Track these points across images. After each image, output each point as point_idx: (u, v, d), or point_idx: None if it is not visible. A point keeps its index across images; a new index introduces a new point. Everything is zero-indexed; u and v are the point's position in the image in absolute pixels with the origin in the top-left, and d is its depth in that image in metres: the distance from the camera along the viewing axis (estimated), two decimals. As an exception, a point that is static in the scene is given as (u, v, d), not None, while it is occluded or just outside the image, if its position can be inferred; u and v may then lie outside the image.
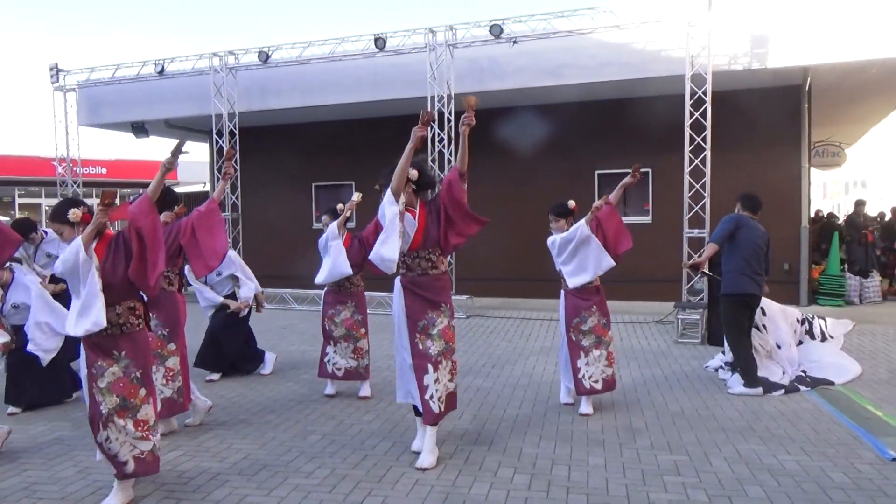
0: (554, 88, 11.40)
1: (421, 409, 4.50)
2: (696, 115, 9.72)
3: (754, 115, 11.36)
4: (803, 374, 6.61)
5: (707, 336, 8.61)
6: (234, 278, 7.15)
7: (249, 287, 7.12)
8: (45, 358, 5.52)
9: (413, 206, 4.61)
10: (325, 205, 14.63)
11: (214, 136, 13.39)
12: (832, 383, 6.39)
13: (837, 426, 5.22)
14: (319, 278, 6.16)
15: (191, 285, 6.61)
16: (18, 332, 5.77)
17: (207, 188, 16.46)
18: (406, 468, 4.41)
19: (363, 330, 6.29)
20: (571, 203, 5.72)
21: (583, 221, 5.49)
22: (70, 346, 6.29)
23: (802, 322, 7.65)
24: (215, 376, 6.95)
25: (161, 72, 13.20)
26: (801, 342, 7.41)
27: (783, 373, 6.63)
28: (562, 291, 5.75)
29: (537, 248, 6.11)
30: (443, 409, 4.52)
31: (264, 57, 12.39)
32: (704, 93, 9.62)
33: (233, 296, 7.14)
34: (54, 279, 6.33)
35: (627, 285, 11.42)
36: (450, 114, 11.38)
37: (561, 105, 12.43)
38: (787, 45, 10.17)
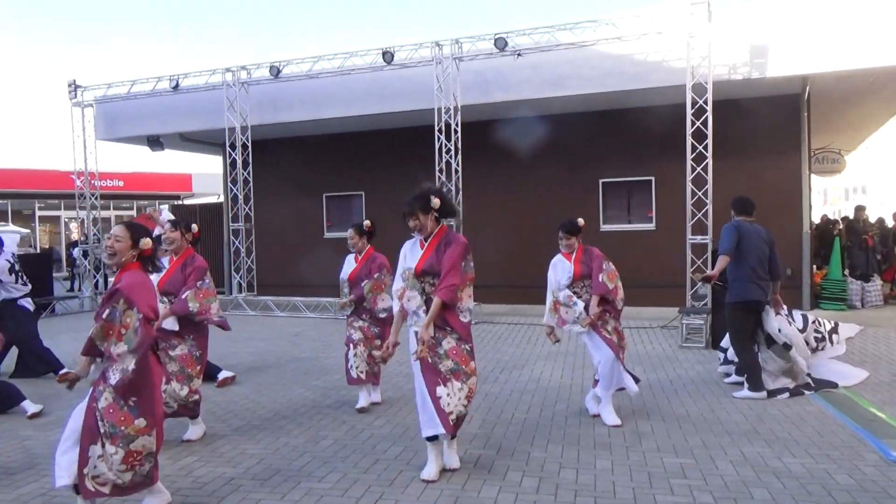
0: (557, 99, 11.40)
1: (440, 423, 4.26)
2: (698, 123, 9.69)
3: (755, 122, 11.35)
4: (808, 377, 6.56)
5: (711, 340, 8.56)
6: None
7: None
8: None
9: (429, 234, 4.54)
10: (335, 215, 14.74)
11: (227, 149, 13.44)
12: (836, 386, 6.35)
13: (841, 429, 5.17)
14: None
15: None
16: None
17: (221, 199, 16.51)
18: (416, 472, 4.39)
19: (377, 342, 6.11)
20: (580, 221, 5.71)
21: (583, 317, 5.47)
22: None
23: (827, 333, 7.64)
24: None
25: (176, 87, 13.27)
26: (816, 349, 7.34)
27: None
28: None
29: (543, 255, 6.09)
30: (451, 425, 4.32)
31: (275, 71, 12.44)
32: (705, 102, 9.60)
33: None
34: None
35: (632, 290, 11.29)
36: (456, 125, 11.39)
37: (564, 115, 12.43)
38: (786, 54, 10.13)
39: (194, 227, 5.68)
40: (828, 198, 45.75)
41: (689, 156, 9.76)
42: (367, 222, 6.28)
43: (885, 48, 9.59)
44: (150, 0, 58.31)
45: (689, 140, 9.75)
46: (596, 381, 5.57)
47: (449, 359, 4.34)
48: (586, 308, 5.50)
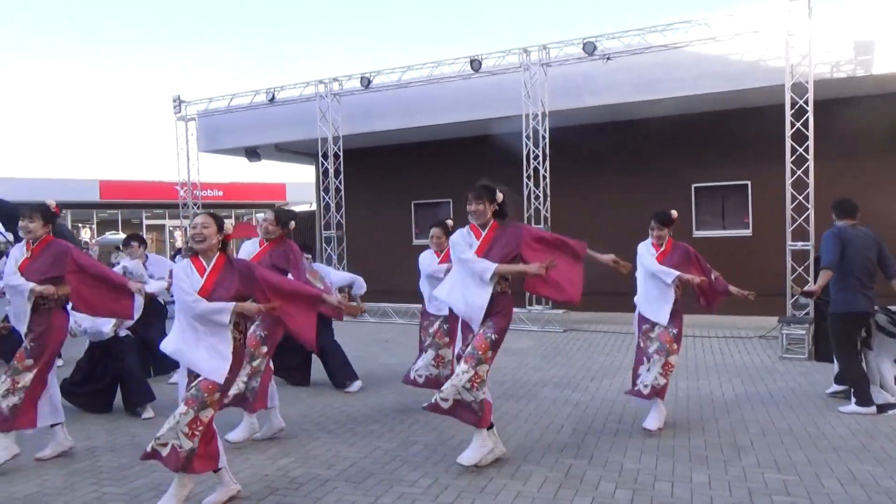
0: (649, 103, 11.15)
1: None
2: (798, 124, 9.27)
3: (860, 122, 10.74)
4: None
5: (814, 351, 8.16)
6: None
7: None
8: None
9: (483, 226, 4.66)
10: (423, 222, 14.85)
11: (320, 159, 13.79)
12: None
13: (961, 448, 4.82)
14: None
15: None
16: None
17: (314, 207, 16.96)
18: (507, 479, 4.37)
19: (447, 339, 6.12)
20: (674, 212, 5.60)
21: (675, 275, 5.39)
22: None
23: None
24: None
25: (272, 100, 13.74)
26: None
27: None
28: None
29: (632, 261, 5.95)
30: (445, 407, 4.45)
31: (366, 82, 12.69)
32: (806, 102, 9.17)
33: None
34: None
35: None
36: (544, 131, 11.32)
37: (655, 118, 12.14)
38: (893, 50, 9.57)
39: (292, 224, 5.81)
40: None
41: (789, 158, 9.34)
42: (449, 221, 6.35)
43: None
44: (245, 15, 60.56)
45: (789, 142, 9.34)
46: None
47: (471, 344, 4.53)
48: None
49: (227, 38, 58.15)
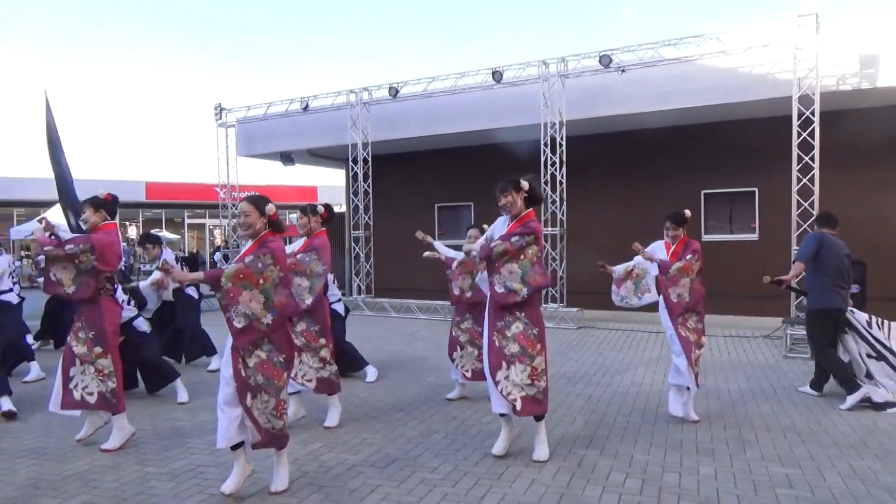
0: (661, 113, 11.06)
1: (503, 404, 4.50)
2: (804, 134, 9.15)
3: (864, 134, 10.57)
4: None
5: (817, 351, 8.04)
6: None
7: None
8: None
9: (515, 215, 4.64)
10: (445, 224, 14.86)
11: (350, 163, 13.86)
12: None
13: (960, 446, 4.73)
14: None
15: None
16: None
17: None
18: (523, 468, 4.36)
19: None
20: (687, 212, 5.59)
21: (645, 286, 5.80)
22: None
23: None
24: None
25: (305, 108, 13.83)
26: None
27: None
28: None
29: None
30: (518, 407, 4.46)
31: (394, 92, 12.73)
32: (812, 113, 9.05)
33: None
34: None
35: (734, 300, 10.88)
36: (561, 139, 11.27)
37: (667, 127, 12.04)
38: (897, 64, 9.41)
39: (320, 208, 5.69)
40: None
41: (795, 167, 9.23)
42: (484, 226, 6.33)
43: None
44: (283, 27, 61.02)
45: (795, 151, 9.23)
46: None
47: (516, 342, 4.49)
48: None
49: (264, 49, 58.61)
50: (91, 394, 4.83)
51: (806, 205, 9.13)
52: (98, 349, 4.84)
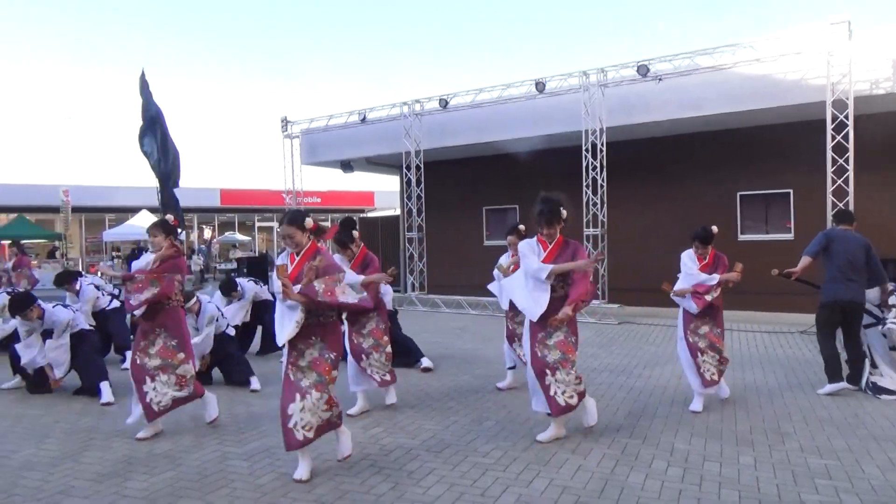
0: (697, 119, 10.80)
1: (549, 405, 4.53)
2: (839, 138, 8.81)
3: (898, 136, 10.12)
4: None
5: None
6: None
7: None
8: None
9: (551, 235, 4.61)
10: (493, 225, 14.80)
11: (404, 170, 13.93)
12: None
13: None
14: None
15: None
16: None
17: (398, 212, 17.14)
18: (569, 455, 4.31)
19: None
20: (714, 229, 5.47)
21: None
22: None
23: None
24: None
25: (363, 119, 13.96)
26: None
27: None
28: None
29: (679, 262, 5.77)
30: (574, 403, 4.56)
31: (444, 103, 12.75)
32: (846, 117, 8.70)
33: None
34: None
35: (771, 297, 10.54)
36: (602, 145, 11.12)
37: (703, 133, 11.74)
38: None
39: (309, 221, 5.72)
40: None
41: (830, 169, 8.90)
42: (521, 226, 6.29)
43: None
44: (339, 46, 61.83)
45: (830, 154, 8.90)
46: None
47: (557, 350, 4.50)
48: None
49: (325, 64, 59.48)
50: (166, 405, 4.92)
51: (841, 205, 8.78)
52: (181, 355, 4.97)
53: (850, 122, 8.69)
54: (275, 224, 32.54)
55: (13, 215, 25.20)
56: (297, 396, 3.90)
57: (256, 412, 5.57)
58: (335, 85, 59.95)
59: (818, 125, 9.14)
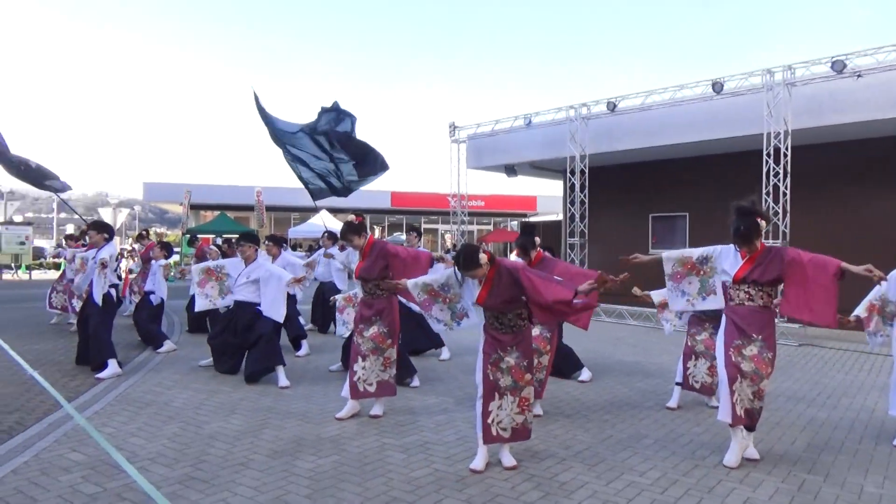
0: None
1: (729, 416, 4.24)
2: None
3: None
4: None
5: None
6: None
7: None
8: None
9: (751, 250, 4.38)
10: (660, 233, 14.13)
11: (568, 175, 13.71)
12: None
13: None
14: None
15: None
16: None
17: (560, 217, 16.92)
18: (736, 484, 3.96)
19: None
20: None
21: None
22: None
23: None
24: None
25: (528, 124, 13.94)
26: None
27: None
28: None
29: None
30: (741, 415, 4.27)
31: (612, 106, 12.37)
32: None
33: None
34: None
35: None
36: (786, 149, 10.15)
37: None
38: None
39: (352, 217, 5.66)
40: None
41: None
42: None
43: None
44: (507, 53, 62.49)
45: None
46: None
47: (751, 362, 4.23)
48: None
49: (491, 70, 60.51)
50: (370, 385, 5.32)
51: None
52: (389, 341, 5.39)
53: None
54: (440, 226, 33.64)
55: (217, 213, 28.38)
56: (496, 395, 4.15)
57: (415, 407, 5.74)
58: (503, 90, 60.75)
59: None
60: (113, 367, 6.76)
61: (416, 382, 6.62)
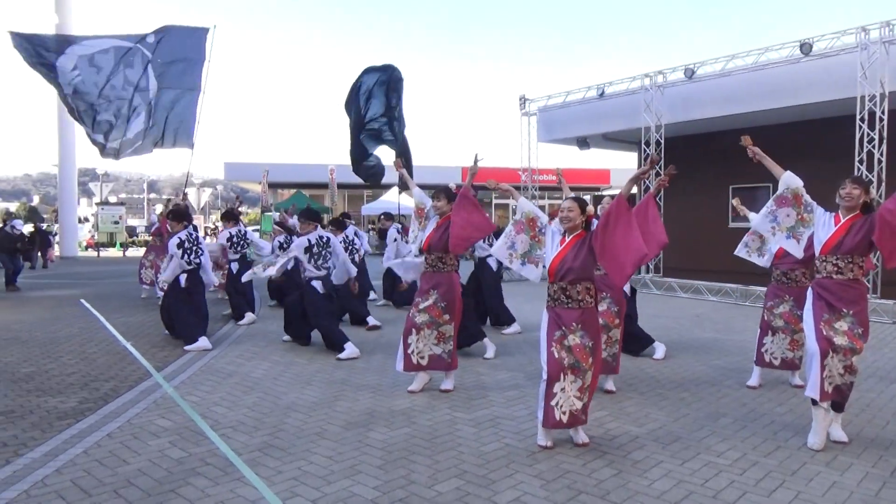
0: None
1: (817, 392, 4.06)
2: None
3: None
4: None
5: None
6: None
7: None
8: None
9: (850, 210, 4.24)
10: (742, 205, 13.43)
11: (642, 146, 13.26)
12: None
13: None
14: None
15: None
16: None
17: (635, 191, 16.45)
18: (822, 467, 3.76)
19: (800, 325, 5.25)
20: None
21: None
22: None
23: None
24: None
25: (601, 94, 13.54)
26: None
27: None
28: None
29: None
30: (829, 392, 4.10)
31: (689, 73, 11.84)
32: None
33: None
34: None
35: None
36: (882, 113, 9.43)
37: None
38: None
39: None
40: None
41: None
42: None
43: None
44: (576, 18, 60.73)
45: None
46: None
47: (844, 336, 4.04)
48: None
49: (564, 43, 59.05)
50: (423, 357, 5.31)
51: None
52: (446, 316, 5.32)
53: None
54: (510, 202, 33.31)
55: (293, 191, 29.17)
56: (562, 375, 4.02)
57: (486, 382, 5.75)
58: (573, 62, 59.22)
59: None
60: (203, 342, 7.09)
61: (490, 353, 6.62)
